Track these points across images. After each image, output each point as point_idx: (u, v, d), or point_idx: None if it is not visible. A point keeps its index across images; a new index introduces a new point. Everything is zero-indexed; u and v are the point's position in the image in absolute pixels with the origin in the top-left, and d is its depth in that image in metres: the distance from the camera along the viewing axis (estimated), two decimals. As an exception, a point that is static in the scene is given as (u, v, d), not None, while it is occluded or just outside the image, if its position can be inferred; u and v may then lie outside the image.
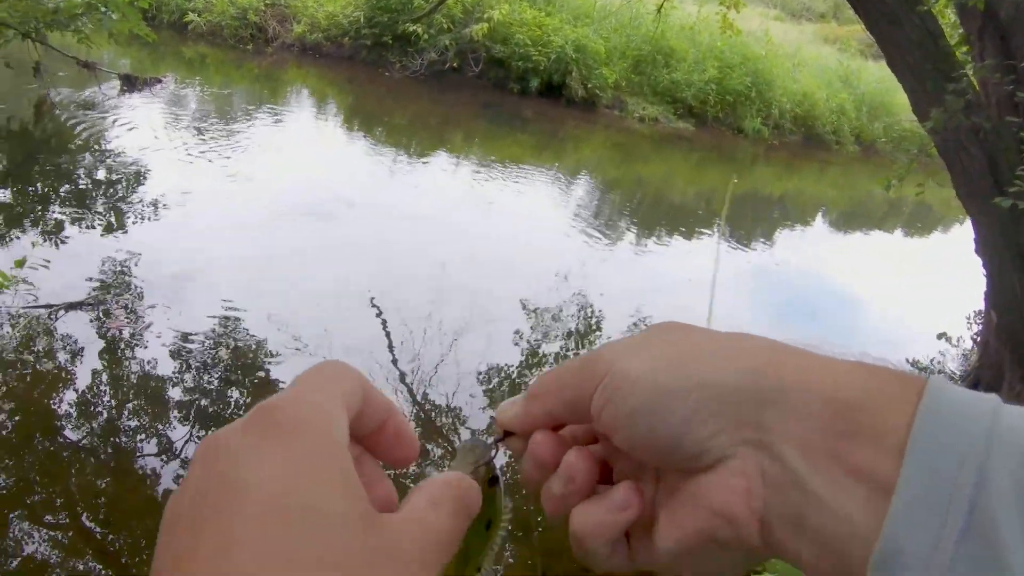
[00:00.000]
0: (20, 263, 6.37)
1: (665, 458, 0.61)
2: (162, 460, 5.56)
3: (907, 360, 9.11)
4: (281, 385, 6.52)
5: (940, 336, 9.70)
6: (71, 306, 6.72)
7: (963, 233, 10.05)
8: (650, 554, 0.64)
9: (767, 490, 0.57)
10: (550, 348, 7.92)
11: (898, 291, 11.49)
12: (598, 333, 8.41)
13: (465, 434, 6.43)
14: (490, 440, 0.71)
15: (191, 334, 6.87)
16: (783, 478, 0.56)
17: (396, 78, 19.31)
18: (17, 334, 6.29)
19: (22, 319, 6.46)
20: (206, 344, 6.83)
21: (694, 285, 10.12)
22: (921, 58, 6.73)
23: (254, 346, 6.94)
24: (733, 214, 15.24)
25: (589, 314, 8.76)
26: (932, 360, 9.29)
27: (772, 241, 13.98)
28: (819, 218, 16.91)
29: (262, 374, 6.69)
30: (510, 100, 19.85)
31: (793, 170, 20.77)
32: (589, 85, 20.36)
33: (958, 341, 9.86)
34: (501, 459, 0.73)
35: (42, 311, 6.60)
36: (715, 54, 21.83)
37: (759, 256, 12.70)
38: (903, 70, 6.97)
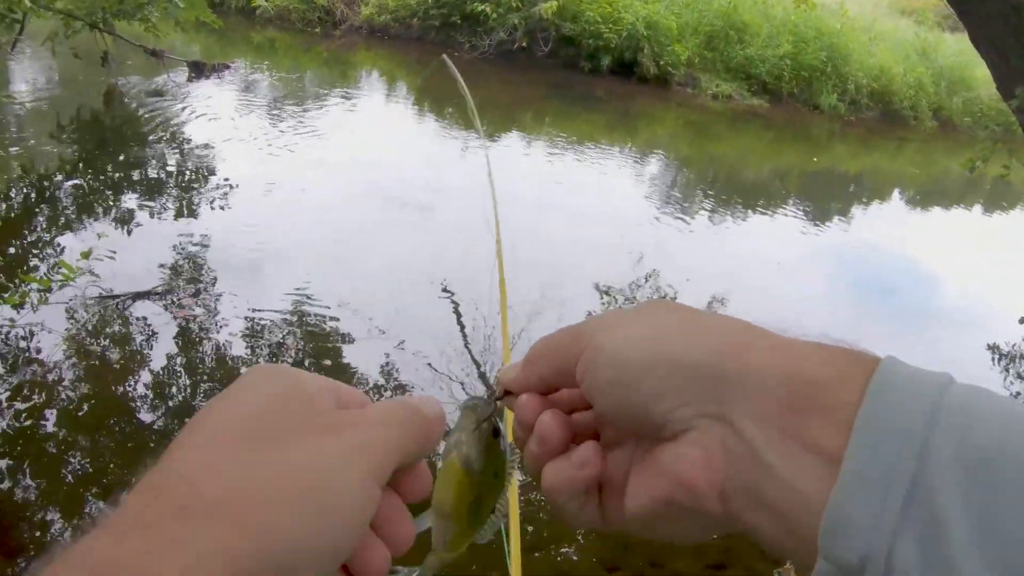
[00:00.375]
0: (86, 254, 6.43)
1: (637, 426, 0.67)
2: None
3: (987, 345, 8.84)
4: (352, 368, 6.59)
5: (1022, 321, 9.42)
6: (139, 295, 6.80)
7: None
8: (620, 515, 0.69)
9: (727, 462, 0.61)
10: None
11: (978, 271, 11.18)
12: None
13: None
14: (491, 398, 0.76)
15: (263, 318, 6.92)
16: (741, 451, 0.60)
17: (465, 59, 19.27)
18: (87, 323, 6.38)
19: (91, 308, 6.55)
20: (278, 328, 6.87)
21: (768, 265, 10.02)
22: (1004, 32, 6.44)
23: (327, 329, 6.98)
24: (809, 192, 15.02)
25: (663, 296, 8.65)
26: (1013, 346, 9.00)
27: (848, 218, 13.73)
28: (896, 195, 16.55)
29: (335, 356, 6.72)
30: (580, 79, 19.71)
31: (870, 147, 20.33)
32: (661, 62, 20.13)
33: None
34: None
35: (111, 300, 6.68)
36: (789, 28, 21.43)
37: (835, 234, 12.47)
38: (985, 44, 6.69)
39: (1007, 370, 8.52)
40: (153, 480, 0.55)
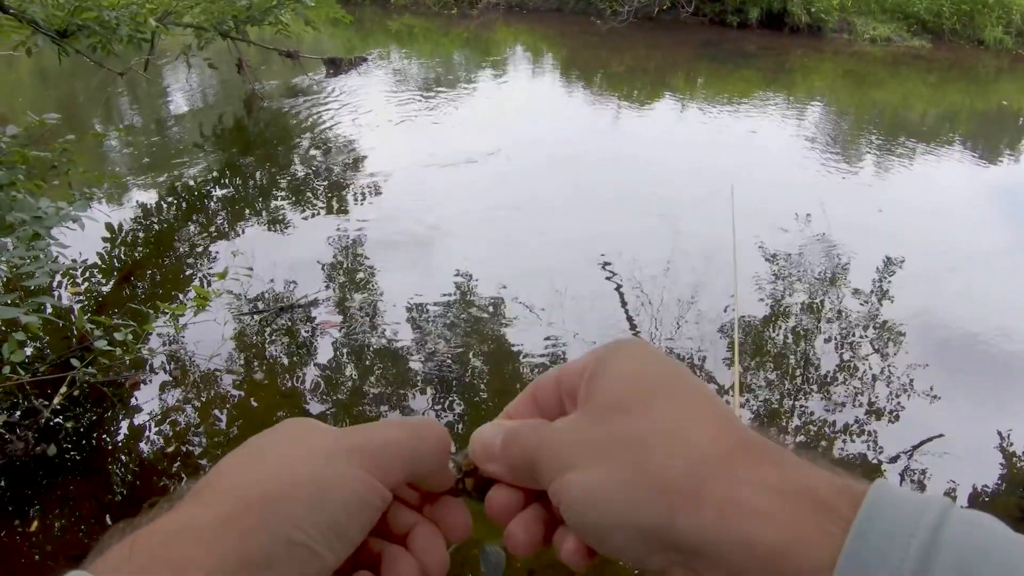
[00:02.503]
0: (221, 276, 6.44)
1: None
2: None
3: None
4: (516, 350, 6.45)
5: None
6: (283, 309, 6.77)
7: None
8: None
9: None
10: (795, 298, 7.47)
11: None
12: (847, 279, 7.86)
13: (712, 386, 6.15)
14: (459, 468, 0.77)
15: (423, 305, 6.86)
16: None
17: (606, 27, 18.92)
18: (236, 338, 6.41)
19: (239, 323, 6.58)
20: (437, 317, 6.81)
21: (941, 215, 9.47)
22: None
23: (489, 313, 6.87)
24: (977, 131, 14.18)
25: (837, 256, 8.21)
26: None
27: (1020, 158, 12.87)
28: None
29: (499, 340, 6.59)
30: (729, 35, 19.15)
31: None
32: (813, 9, 19.38)
33: None
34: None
35: (257, 315, 6.69)
36: (945, -42, 20.29)
37: (1007, 174, 11.72)
38: None
39: None
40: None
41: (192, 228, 8.20)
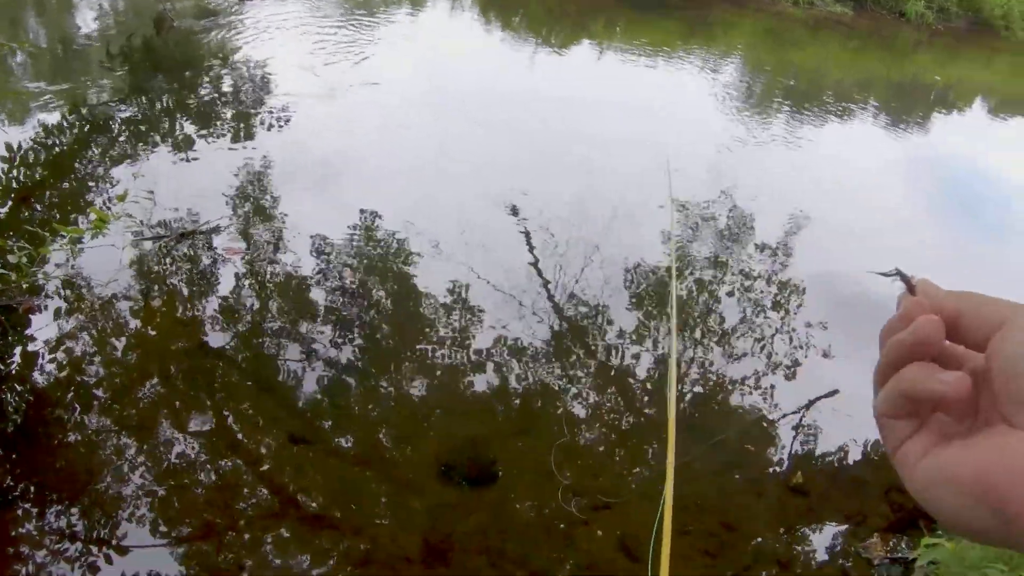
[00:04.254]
0: (121, 198, 6.23)
1: (1009, 411, 0.62)
2: (304, 364, 5.46)
3: None
4: (418, 286, 6.38)
5: None
6: (183, 235, 6.58)
7: None
8: (920, 469, 0.68)
9: None
10: (700, 249, 7.52)
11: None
12: (752, 234, 7.94)
13: (611, 335, 6.19)
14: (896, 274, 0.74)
15: (327, 240, 6.76)
16: None
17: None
18: (135, 264, 6.22)
19: (138, 249, 6.38)
20: (343, 251, 6.71)
21: (853, 174, 9.62)
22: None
23: (393, 247, 6.78)
24: (892, 101, 14.40)
25: (742, 211, 8.28)
26: None
27: (929, 130, 13.13)
28: (983, 107, 15.81)
29: (401, 277, 6.52)
30: (653, -15, 19.09)
31: (957, 57, 19.47)
32: (737, -34, 19.42)
33: None
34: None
35: (159, 242, 6.49)
36: (873, -73, 20.45)
37: (917, 142, 11.95)
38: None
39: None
40: None
41: (94, 150, 7.90)
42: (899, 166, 10.77)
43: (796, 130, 11.37)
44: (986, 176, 11.13)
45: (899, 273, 0.74)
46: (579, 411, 5.51)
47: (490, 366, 5.73)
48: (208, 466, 4.62)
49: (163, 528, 4.24)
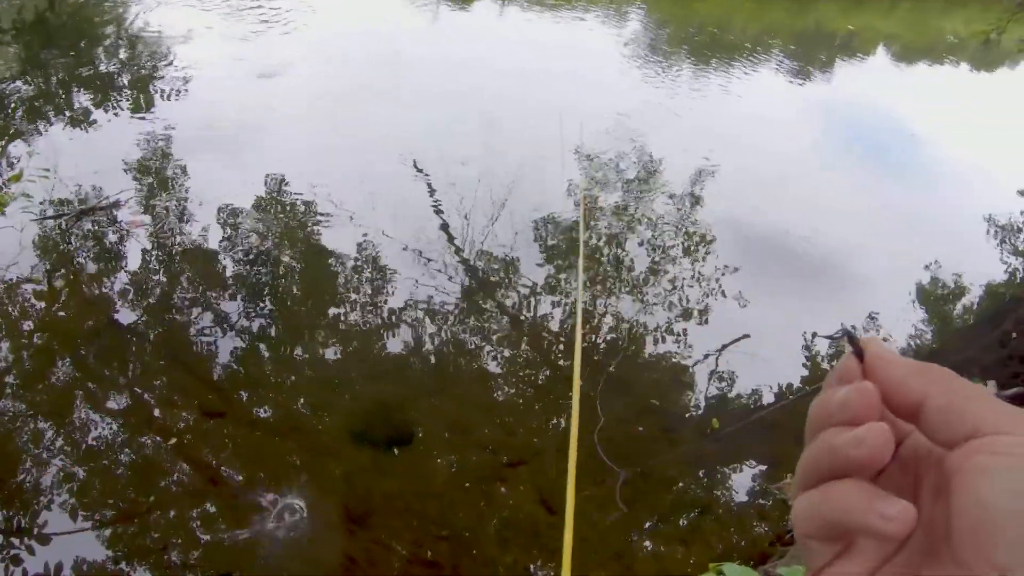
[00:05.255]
0: (16, 178, 6.07)
1: (974, 562, 0.53)
2: (216, 336, 5.43)
3: (984, 217, 8.52)
4: (328, 249, 6.35)
5: (1022, 193, 9.06)
6: (83, 212, 6.42)
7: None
8: None
9: None
10: (608, 199, 7.56)
11: (976, 137, 10.76)
12: (657, 179, 8.00)
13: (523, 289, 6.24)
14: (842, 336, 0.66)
15: (233, 207, 6.66)
16: None
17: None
18: (37, 244, 6.08)
19: (39, 228, 6.23)
20: (249, 217, 6.63)
21: (756, 122, 9.72)
22: None
23: (300, 214, 6.72)
24: (797, 48, 14.56)
25: (648, 162, 8.34)
26: (1010, 218, 8.63)
27: (833, 76, 13.32)
28: (886, 54, 16.08)
29: (309, 242, 6.49)
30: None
31: (861, 5, 19.72)
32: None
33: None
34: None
35: (60, 219, 6.34)
36: None
37: (820, 90, 12.13)
38: None
39: (1005, 242, 8.29)
40: None
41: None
42: (804, 114, 10.92)
43: (701, 80, 11.46)
44: (888, 122, 11.34)
45: (847, 334, 0.66)
46: (493, 367, 5.55)
47: (403, 327, 5.73)
48: (126, 446, 4.57)
49: (85, 512, 4.19)
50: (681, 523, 4.80)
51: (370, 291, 6.07)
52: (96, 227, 6.30)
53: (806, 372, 6.06)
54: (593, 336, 5.91)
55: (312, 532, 4.28)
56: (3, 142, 7.34)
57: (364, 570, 4.22)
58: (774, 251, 7.18)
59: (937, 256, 7.41)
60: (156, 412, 4.80)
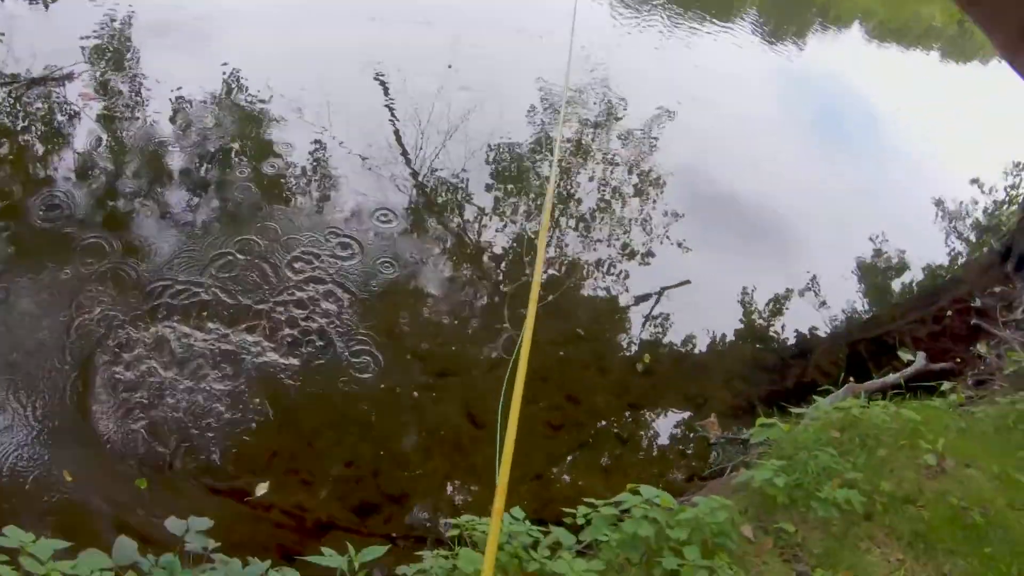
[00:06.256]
0: None
1: None
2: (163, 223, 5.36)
3: (933, 199, 8.54)
4: (285, 147, 6.23)
5: (973, 181, 9.11)
6: (34, 81, 6.24)
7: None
8: None
9: None
10: (564, 133, 7.46)
11: (937, 124, 10.76)
12: (617, 121, 7.91)
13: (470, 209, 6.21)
14: None
15: (185, 99, 6.53)
16: None
17: None
18: None
19: None
20: (201, 110, 6.48)
21: (722, 80, 9.63)
22: None
23: (255, 113, 6.59)
24: (770, 14, 14.46)
25: (611, 102, 8.24)
26: (960, 204, 8.68)
27: (806, 43, 13.24)
28: (860, 30, 16.04)
29: (263, 141, 6.38)
30: None
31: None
32: None
33: (990, 191, 9.17)
34: None
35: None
36: None
37: (788, 54, 12.08)
38: None
39: (951, 226, 8.34)
40: None
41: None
42: (772, 76, 10.85)
43: (671, 33, 11.32)
44: (852, 97, 11.31)
45: None
46: (431, 286, 5.51)
47: (351, 235, 5.63)
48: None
49: None
50: (604, 453, 4.81)
51: (317, 196, 5.95)
52: (47, 102, 6.14)
53: (740, 325, 6.09)
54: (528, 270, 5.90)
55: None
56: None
57: (286, 463, 4.18)
58: (722, 205, 7.16)
59: (883, 231, 7.44)
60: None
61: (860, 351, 5.89)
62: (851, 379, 5.04)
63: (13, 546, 2.30)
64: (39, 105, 6.10)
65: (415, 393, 4.69)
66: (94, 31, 7.08)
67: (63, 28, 7.02)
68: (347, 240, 5.55)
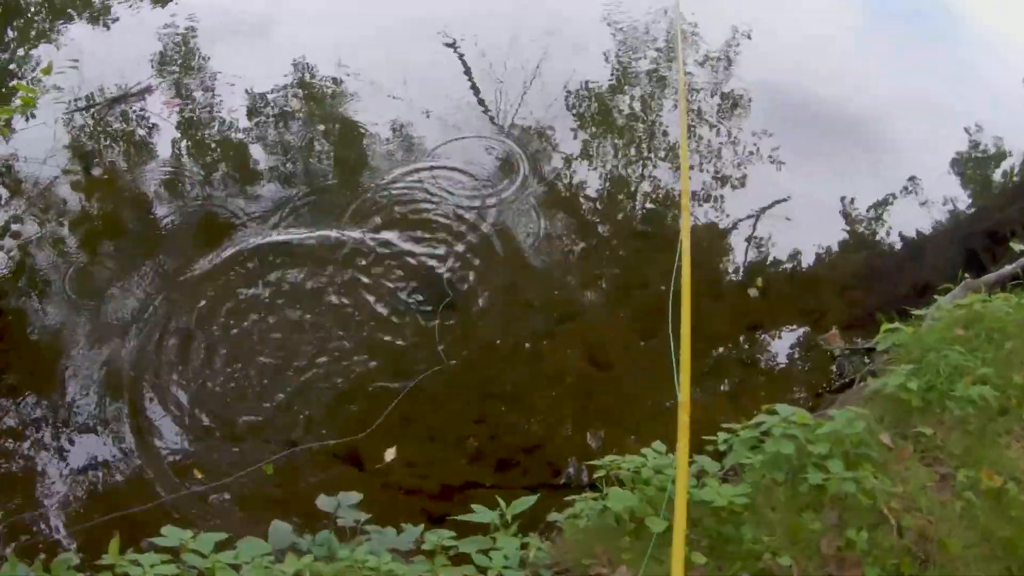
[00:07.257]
0: (47, 70, 5.95)
1: None
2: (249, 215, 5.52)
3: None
4: (361, 126, 6.32)
5: None
6: (116, 99, 6.38)
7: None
8: None
9: None
10: (641, 66, 7.37)
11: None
12: (693, 46, 7.75)
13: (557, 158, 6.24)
14: None
15: (263, 92, 6.61)
16: None
17: None
18: (70, 137, 6.08)
19: (71, 120, 6.22)
20: (280, 99, 6.58)
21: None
22: None
23: (330, 93, 6.67)
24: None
25: (682, 26, 8.06)
26: None
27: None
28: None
29: (343, 119, 6.46)
30: None
31: None
32: None
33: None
34: None
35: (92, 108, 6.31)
36: None
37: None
38: None
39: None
40: None
41: (9, 32, 7.56)
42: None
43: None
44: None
45: None
46: (530, 239, 5.58)
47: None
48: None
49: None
50: (725, 379, 4.84)
51: (407, 165, 6.03)
52: (128, 117, 6.32)
53: (845, 235, 6.02)
54: (630, 203, 5.91)
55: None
56: (26, 47, 7.27)
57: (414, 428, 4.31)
58: (808, 114, 7.00)
59: (977, 120, 7.21)
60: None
61: (972, 246, 5.77)
62: (967, 275, 4.95)
63: (172, 544, 2.42)
64: (124, 121, 6.28)
65: (532, 343, 4.78)
66: (159, 46, 7.14)
67: (131, 45, 7.10)
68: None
